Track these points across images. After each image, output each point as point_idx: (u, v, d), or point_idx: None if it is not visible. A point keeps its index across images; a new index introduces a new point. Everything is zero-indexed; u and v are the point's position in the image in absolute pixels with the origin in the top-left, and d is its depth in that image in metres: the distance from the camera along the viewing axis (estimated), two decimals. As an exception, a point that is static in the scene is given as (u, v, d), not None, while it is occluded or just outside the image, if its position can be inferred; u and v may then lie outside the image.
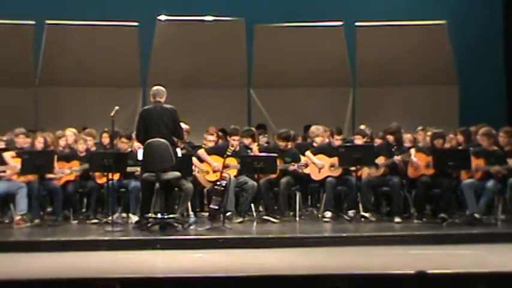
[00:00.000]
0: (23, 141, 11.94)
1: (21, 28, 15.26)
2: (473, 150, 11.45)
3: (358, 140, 12.39)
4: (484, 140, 11.54)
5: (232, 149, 11.68)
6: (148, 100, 11.79)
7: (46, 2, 15.46)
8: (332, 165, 11.95)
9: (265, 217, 11.70)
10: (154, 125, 10.75)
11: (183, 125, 11.29)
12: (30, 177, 11.46)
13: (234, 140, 11.98)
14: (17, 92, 15.07)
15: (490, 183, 11.17)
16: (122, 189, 11.78)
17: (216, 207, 11.07)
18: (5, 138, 12.52)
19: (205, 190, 12.06)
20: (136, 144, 11.81)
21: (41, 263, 9.09)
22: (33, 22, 15.29)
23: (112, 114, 11.04)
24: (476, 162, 11.30)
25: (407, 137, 12.44)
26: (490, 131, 11.62)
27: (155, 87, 11.12)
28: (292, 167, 11.97)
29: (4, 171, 11.46)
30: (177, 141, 11.02)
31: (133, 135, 12.07)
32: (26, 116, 14.37)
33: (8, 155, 11.63)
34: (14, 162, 11.49)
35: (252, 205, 11.92)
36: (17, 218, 11.28)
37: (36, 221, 11.35)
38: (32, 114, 14.99)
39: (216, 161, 11.78)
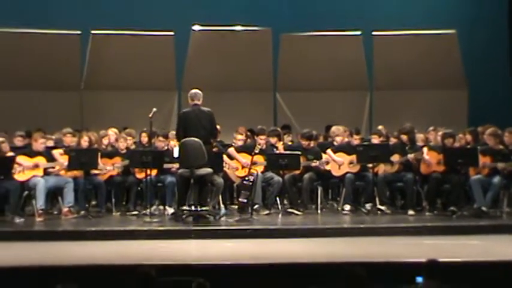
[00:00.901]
0: (70, 140, 12.00)
1: (68, 37, 15.32)
2: (481, 148, 11.39)
3: (375, 139, 12.33)
4: (490, 139, 11.48)
5: (260, 147, 11.67)
6: (184, 102, 11.84)
7: (91, 14, 15.50)
8: (351, 162, 11.91)
9: (290, 210, 11.68)
10: (193, 127, 10.75)
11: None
12: (77, 173, 11.51)
13: (261, 139, 11.97)
14: (64, 95, 15.14)
15: (496, 179, 11.11)
16: (159, 184, 11.79)
17: (245, 201, 11.08)
18: (54, 137, 12.61)
19: (234, 185, 12.02)
20: (172, 142, 11.83)
21: (86, 250, 9.14)
22: (79, 32, 15.36)
23: (150, 115, 11.08)
24: (483, 160, 11.24)
25: (419, 136, 12.37)
26: (496, 131, 11.56)
27: (193, 90, 11.11)
28: (314, 163, 11.95)
29: (53, 167, 11.52)
30: (213, 141, 11.04)
31: (170, 135, 12.12)
32: (72, 117, 14.43)
33: (56, 153, 11.69)
34: (62, 159, 11.54)
35: (278, 199, 11.89)
36: (65, 209, 11.33)
37: (82, 212, 11.40)
38: (77, 115, 15.05)
39: (245, 158, 11.78)
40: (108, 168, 11.87)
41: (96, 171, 11.71)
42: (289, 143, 12.98)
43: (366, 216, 11.46)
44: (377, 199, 11.77)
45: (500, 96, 15.65)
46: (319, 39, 15.58)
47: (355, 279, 5.76)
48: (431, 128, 12.64)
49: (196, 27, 15.57)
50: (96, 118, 14.68)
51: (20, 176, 11.20)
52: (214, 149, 11.32)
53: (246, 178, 11.25)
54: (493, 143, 11.46)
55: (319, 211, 11.91)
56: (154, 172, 11.52)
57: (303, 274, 7.73)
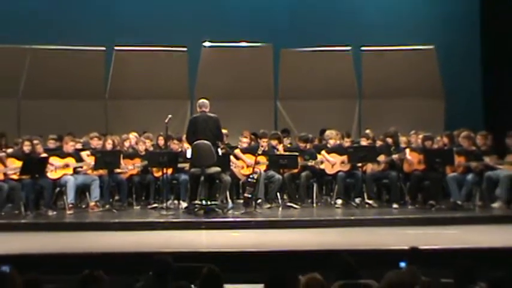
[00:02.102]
0: (96, 142, 12.01)
1: (94, 53, 15.33)
2: (456, 149, 11.43)
3: (363, 142, 12.32)
4: (464, 141, 11.52)
5: (262, 148, 11.69)
6: (195, 110, 11.80)
7: (114, 33, 15.48)
8: (342, 162, 11.91)
9: (289, 204, 11.68)
10: (201, 130, 10.77)
11: (223, 130, 11.31)
12: (102, 172, 11.52)
13: (263, 141, 11.97)
14: (90, 104, 15.13)
15: (470, 177, 11.15)
16: (174, 181, 11.81)
17: (249, 196, 11.09)
18: (82, 140, 12.61)
19: (240, 182, 12.03)
20: (186, 145, 11.84)
21: (110, 240, 9.16)
22: (104, 48, 15.37)
23: (166, 121, 11.11)
24: (458, 160, 11.27)
25: (402, 139, 12.36)
26: (469, 134, 11.59)
27: (201, 100, 11.15)
28: (311, 163, 11.95)
29: (81, 167, 11.54)
30: (218, 143, 11.03)
31: (183, 138, 12.10)
32: (98, 123, 14.41)
33: (84, 154, 11.72)
34: (89, 160, 11.57)
35: (278, 194, 11.86)
36: (92, 204, 11.35)
37: (107, 206, 11.41)
38: (102, 121, 15.03)
39: (249, 159, 11.78)
40: (129, 167, 11.89)
41: (118, 170, 11.72)
42: (288, 145, 12.96)
43: (356, 209, 11.45)
44: (365, 194, 11.74)
45: (473, 104, 15.64)
46: (315, 54, 15.55)
47: (346, 264, 5.77)
48: (412, 132, 12.62)
49: (206, 44, 15.56)
50: (118, 123, 14.66)
51: (52, 175, 11.22)
52: (222, 150, 11.33)
53: (250, 176, 11.26)
54: (467, 145, 11.48)
55: (314, 205, 11.88)
56: (169, 171, 11.52)
57: (300, 260, 7.74)
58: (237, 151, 12.05)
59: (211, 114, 10.93)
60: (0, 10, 15.44)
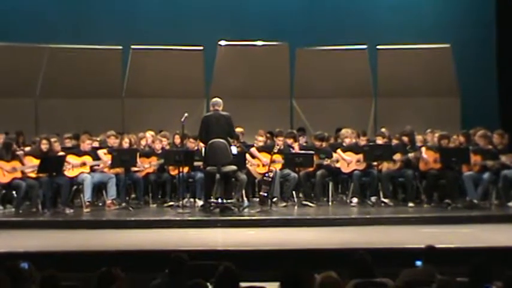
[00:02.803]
0: (113, 141, 12.05)
1: (111, 52, 15.39)
2: (472, 148, 11.37)
3: (379, 140, 12.32)
4: (481, 140, 11.45)
5: (278, 147, 11.67)
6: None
7: (131, 32, 15.59)
8: (358, 161, 11.88)
9: (304, 202, 11.68)
10: (213, 128, 10.77)
11: (238, 129, 11.35)
12: (118, 170, 11.56)
13: (279, 140, 11.95)
14: (108, 102, 15.19)
15: (486, 175, 11.08)
16: (190, 180, 11.81)
17: (265, 194, 11.10)
18: (99, 138, 12.66)
19: (256, 180, 12.02)
20: (202, 143, 11.87)
21: (127, 237, 9.20)
22: (121, 47, 15.43)
23: (182, 119, 11.12)
24: (474, 158, 11.21)
25: (418, 137, 12.31)
26: (485, 133, 11.52)
27: (214, 99, 11.19)
28: (326, 162, 11.94)
29: (98, 165, 11.59)
30: (232, 140, 11.04)
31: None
32: (115, 122, 14.46)
33: (101, 152, 11.75)
34: (105, 158, 11.60)
35: (294, 192, 11.87)
36: (108, 201, 11.40)
37: (123, 204, 11.45)
38: (119, 120, 15.09)
39: (265, 157, 11.77)
40: (145, 166, 11.91)
41: (135, 169, 11.75)
42: (304, 144, 12.95)
43: (371, 208, 11.44)
44: (381, 193, 11.74)
45: (489, 103, 15.56)
46: (330, 53, 15.54)
47: (362, 263, 5.76)
48: (428, 130, 12.57)
49: (222, 43, 15.57)
50: (135, 122, 14.71)
51: (69, 173, 11.28)
52: (238, 149, 11.34)
53: (266, 174, 11.26)
54: (483, 144, 11.41)
55: (330, 203, 11.88)
56: (186, 169, 11.55)
57: (315, 258, 7.74)
58: (253, 150, 12.04)
59: (223, 113, 10.94)
60: (17, 9, 15.56)
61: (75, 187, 11.38)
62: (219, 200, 10.65)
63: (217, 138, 10.57)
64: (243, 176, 11.09)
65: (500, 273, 5.06)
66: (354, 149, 12.06)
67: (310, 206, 11.53)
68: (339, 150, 12.11)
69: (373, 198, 11.72)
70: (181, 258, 5.52)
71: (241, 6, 16.20)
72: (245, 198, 11.57)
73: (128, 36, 15.44)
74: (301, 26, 15.97)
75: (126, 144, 11.98)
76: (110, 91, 15.28)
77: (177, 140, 12.40)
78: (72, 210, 11.06)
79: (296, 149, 12.23)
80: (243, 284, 5.03)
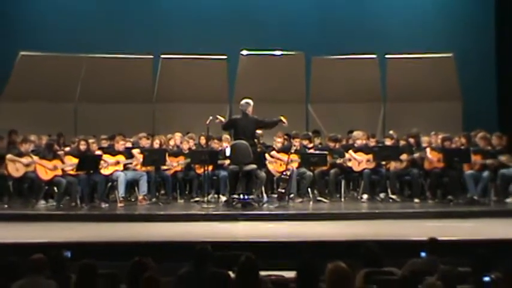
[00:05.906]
0: (144, 142, 12.13)
1: (143, 60, 15.44)
2: (473, 149, 11.37)
3: (388, 142, 12.29)
4: (481, 141, 11.45)
5: (295, 148, 11.69)
6: (235, 112, 11.85)
7: (161, 42, 15.66)
8: (368, 160, 11.87)
9: (319, 198, 11.69)
10: (240, 131, 10.82)
11: (258, 131, 11.36)
12: (149, 168, 11.63)
13: (296, 141, 11.99)
14: (139, 106, 15.25)
15: (485, 174, 11.07)
16: (214, 177, 11.88)
17: (283, 191, 11.10)
18: (131, 139, 12.71)
19: (274, 178, 12.04)
20: (225, 144, 11.90)
21: (157, 230, 9.23)
22: (151, 56, 15.50)
23: (207, 122, 11.14)
24: (475, 158, 11.19)
25: (424, 139, 12.26)
26: (485, 135, 11.52)
27: (243, 100, 11.16)
28: (339, 161, 11.94)
29: (131, 164, 11.66)
30: (256, 142, 11.07)
31: (223, 138, 12.18)
32: (146, 124, 14.52)
33: (134, 152, 11.82)
34: (138, 156, 11.67)
35: (309, 189, 11.89)
36: (140, 197, 11.46)
37: (153, 199, 11.52)
38: (150, 122, 15.14)
39: (283, 157, 11.78)
40: (174, 164, 11.98)
41: (164, 167, 11.81)
42: (319, 145, 12.96)
43: (380, 203, 11.44)
44: (389, 190, 11.73)
45: (488, 107, 15.49)
46: (343, 61, 15.49)
47: (371, 253, 5.77)
48: (433, 133, 12.50)
49: (244, 52, 15.60)
50: (164, 125, 14.75)
51: (105, 171, 11.36)
52: (258, 149, 11.37)
53: (284, 173, 11.27)
54: (483, 144, 11.40)
55: (342, 199, 11.88)
56: (210, 168, 11.60)
57: (328, 249, 7.74)
58: (273, 153, 12.03)
59: (253, 116, 10.96)
60: (59, 24, 15.74)
61: (110, 184, 11.45)
62: (241, 196, 10.68)
63: (243, 139, 10.60)
64: (262, 174, 11.11)
65: (500, 264, 5.04)
66: (364, 149, 12.05)
67: (324, 202, 11.54)
68: (350, 151, 12.11)
69: (381, 195, 11.71)
70: (206, 249, 5.55)
71: (262, 19, 16.19)
72: (264, 195, 11.58)
73: (158, 46, 15.50)
74: (316, 37, 15.95)
75: (156, 144, 12.05)
76: (141, 96, 15.34)
77: (203, 140, 12.43)
78: (107, 205, 11.15)
79: (311, 149, 12.23)
80: (262, 273, 5.05)
